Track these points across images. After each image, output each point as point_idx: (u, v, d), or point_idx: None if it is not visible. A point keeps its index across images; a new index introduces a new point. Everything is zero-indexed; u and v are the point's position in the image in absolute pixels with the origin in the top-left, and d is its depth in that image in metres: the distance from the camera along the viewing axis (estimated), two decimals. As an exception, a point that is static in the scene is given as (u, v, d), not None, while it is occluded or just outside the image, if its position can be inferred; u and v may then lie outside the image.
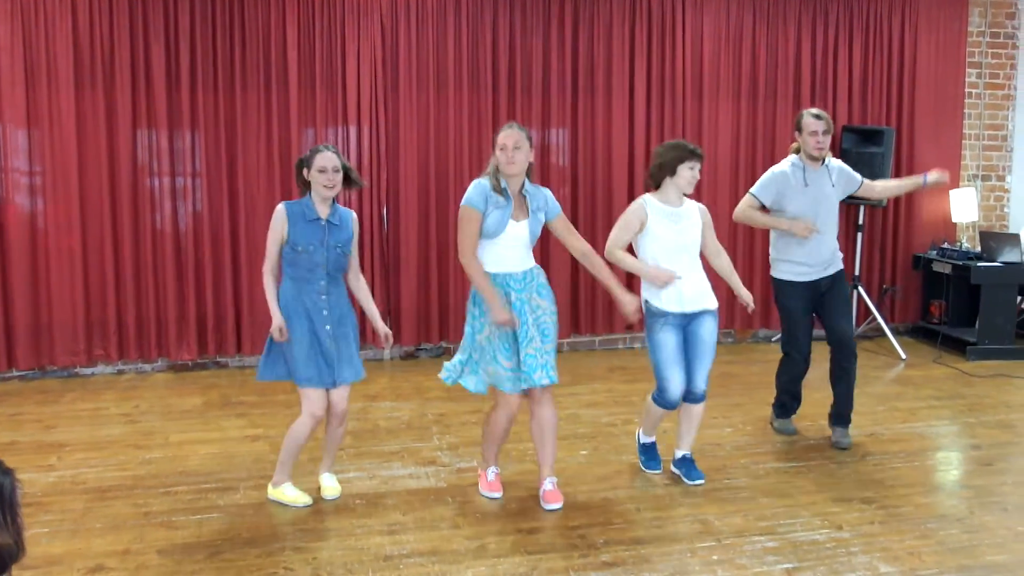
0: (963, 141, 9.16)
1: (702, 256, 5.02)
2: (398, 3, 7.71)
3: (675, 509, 4.69)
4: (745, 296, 5.14)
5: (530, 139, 4.61)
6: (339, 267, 4.69)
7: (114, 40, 7.22)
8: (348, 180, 4.68)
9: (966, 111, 9.14)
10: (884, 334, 8.47)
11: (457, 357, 4.77)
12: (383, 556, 4.15)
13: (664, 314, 4.85)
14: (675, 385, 4.86)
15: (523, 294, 4.61)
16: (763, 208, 5.61)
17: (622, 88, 8.23)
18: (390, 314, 7.98)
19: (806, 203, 5.48)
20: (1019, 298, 8.42)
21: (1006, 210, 9.42)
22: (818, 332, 5.81)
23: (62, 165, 7.19)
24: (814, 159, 5.48)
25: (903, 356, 8.13)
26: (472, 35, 7.89)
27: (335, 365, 4.63)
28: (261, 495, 4.85)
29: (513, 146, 4.52)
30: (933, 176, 5.79)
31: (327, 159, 4.57)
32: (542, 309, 4.65)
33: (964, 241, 9.10)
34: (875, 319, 8.55)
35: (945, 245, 8.83)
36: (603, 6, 8.12)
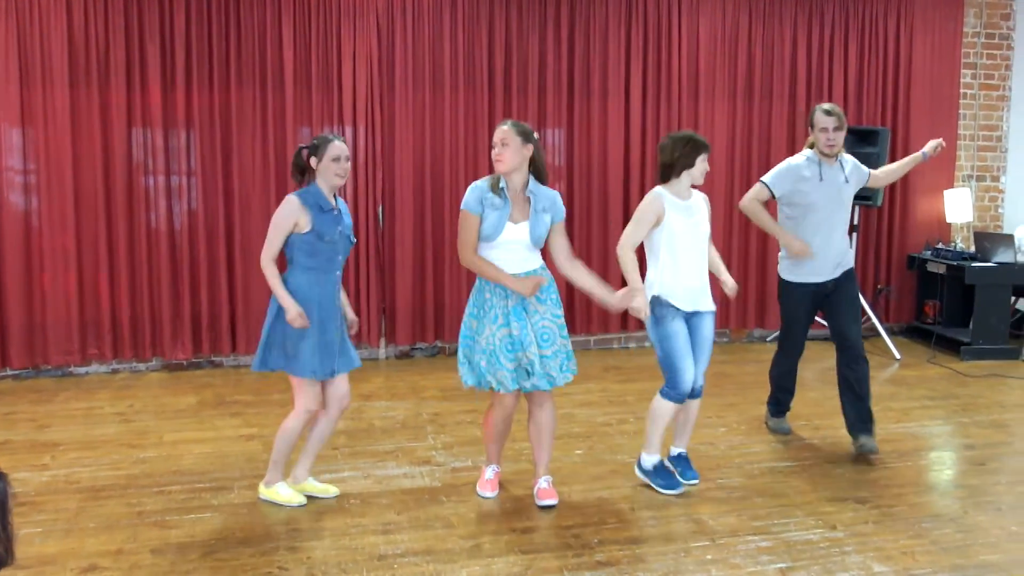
0: (958, 141, 9.18)
1: None
2: (394, 3, 7.71)
3: (669, 509, 4.70)
4: (729, 282, 5.01)
5: (525, 135, 4.49)
6: (347, 255, 4.73)
7: (109, 38, 7.20)
8: None
9: (961, 112, 9.15)
10: (878, 334, 8.47)
11: (460, 358, 4.71)
12: (377, 555, 4.15)
13: (674, 307, 4.80)
14: (689, 375, 4.76)
15: (514, 299, 4.54)
16: (771, 199, 5.54)
17: (618, 88, 8.23)
18: (385, 313, 7.98)
19: (821, 198, 5.40)
20: (1013, 298, 8.44)
21: (1000, 210, 9.44)
22: (820, 332, 5.79)
23: (56, 163, 7.17)
24: (827, 155, 5.41)
25: (897, 356, 8.14)
26: (468, 35, 7.88)
27: (336, 356, 4.65)
28: (255, 494, 4.84)
29: (500, 143, 4.47)
30: (930, 146, 5.70)
31: (340, 148, 4.56)
32: (539, 314, 4.57)
33: (958, 241, 9.12)
34: (869, 319, 8.55)
35: (939, 245, 8.84)
36: (599, 7, 8.13)
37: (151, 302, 7.50)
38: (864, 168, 5.66)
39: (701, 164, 4.80)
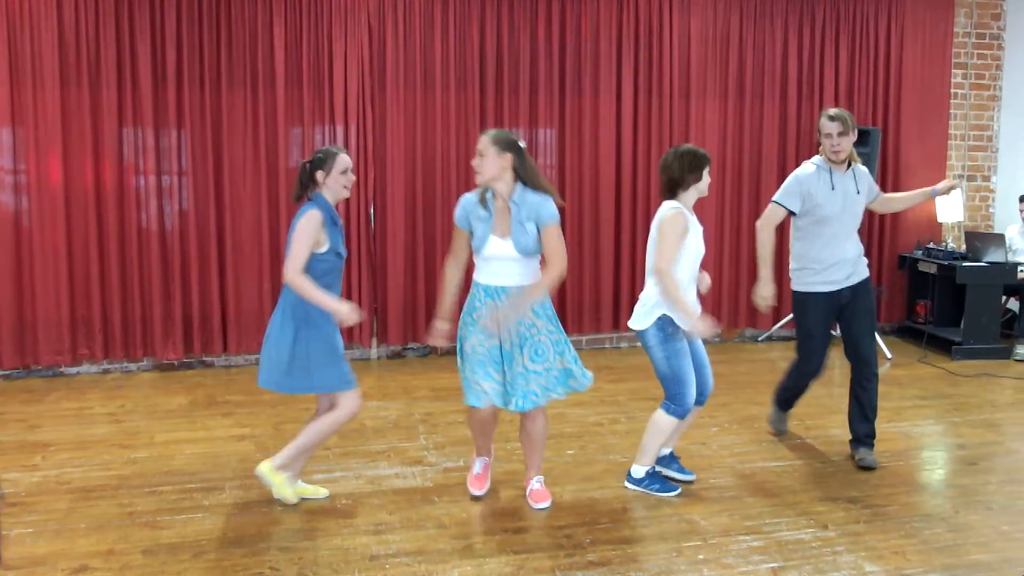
0: (949, 141, 9.20)
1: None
2: (385, 3, 7.70)
3: (661, 508, 4.70)
4: (706, 278, 4.96)
5: (502, 143, 4.37)
6: None
7: (100, 37, 7.19)
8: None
9: (952, 111, 9.18)
10: (870, 334, 8.48)
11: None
12: (369, 556, 4.15)
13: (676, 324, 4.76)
14: (693, 391, 4.78)
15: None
16: (789, 216, 5.31)
17: (609, 88, 8.24)
18: (376, 313, 7.98)
19: (833, 207, 5.21)
20: (1004, 298, 8.46)
21: (991, 210, 9.46)
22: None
23: (47, 163, 7.15)
24: (834, 162, 5.22)
25: (889, 356, 8.16)
26: (459, 35, 7.88)
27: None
28: (247, 495, 4.84)
29: (478, 154, 4.41)
30: (943, 186, 5.57)
31: (347, 160, 4.53)
32: (536, 328, 4.47)
33: (949, 241, 9.14)
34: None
35: (931, 245, 8.86)
36: (590, 6, 8.13)
37: (142, 302, 7.49)
38: (877, 188, 5.51)
39: (707, 177, 4.80)
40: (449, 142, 7.90)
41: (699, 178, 4.76)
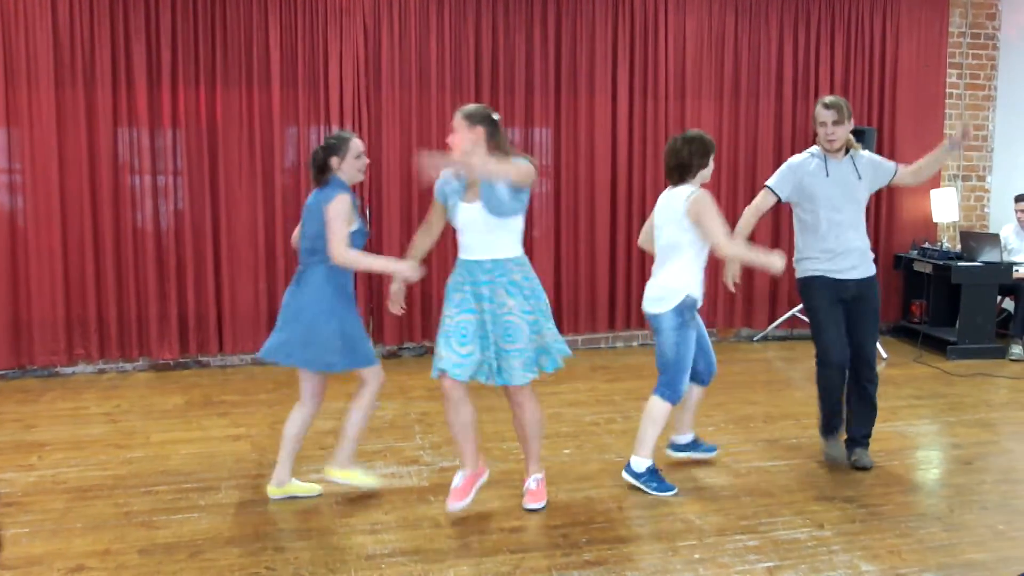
0: (944, 141, 9.19)
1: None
2: (380, 2, 7.71)
3: (657, 508, 4.70)
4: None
5: (471, 116, 4.37)
6: None
7: (94, 37, 7.19)
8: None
9: (947, 111, 9.19)
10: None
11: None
12: (365, 555, 4.15)
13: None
14: (688, 379, 4.93)
15: (484, 288, 4.40)
16: (778, 203, 5.27)
17: (605, 87, 8.24)
18: (372, 313, 7.98)
19: (829, 194, 5.08)
20: (999, 298, 8.48)
21: (986, 210, 9.48)
22: (805, 332, 5.73)
23: (42, 163, 7.15)
24: (829, 150, 5.11)
25: (884, 355, 8.16)
26: (455, 35, 7.88)
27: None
28: (243, 495, 4.84)
29: (453, 131, 4.43)
30: (958, 134, 5.14)
31: (360, 144, 4.67)
32: (506, 308, 4.36)
33: (945, 241, 9.15)
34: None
35: (926, 245, 8.87)
36: (586, 5, 8.13)
37: (138, 302, 7.48)
38: (888, 164, 5.26)
39: (711, 164, 4.89)
40: (444, 142, 7.88)
41: (706, 164, 4.85)
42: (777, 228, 8.70)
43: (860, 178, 5.15)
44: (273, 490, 4.78)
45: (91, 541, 4.28)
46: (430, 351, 8.17)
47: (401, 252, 7.86)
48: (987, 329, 8.20)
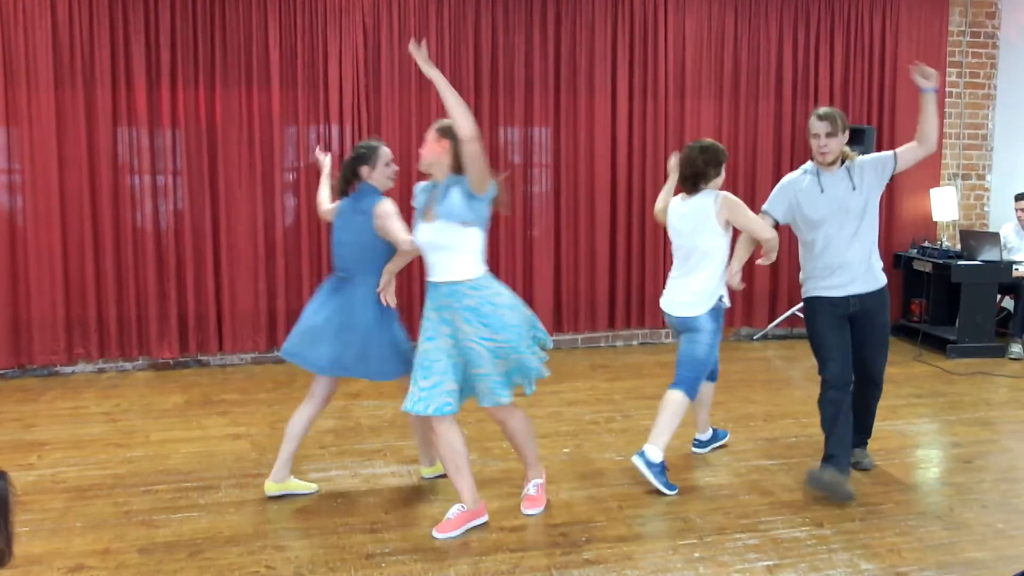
0: (944, 140, 9.21)
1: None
2: (380, 2, 7.70)
3: (657, 507, 4.70)
4: None
5: (443, 130, 4.23)
6: None
7: (94, 37, 7.19)
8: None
9: (947, 110, 9.19)
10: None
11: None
12: (365, 554, 4.15)
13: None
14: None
15: (445, 312, 4.27)
16: (776, 226, 5.01)
17: (604, 87, 8.24)
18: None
19: (824, 211, 4.84)
20: (999, 296, 8.48)
21: (986, 209, 9.48)
22: (802, 330, 5.72)
23: (42, 163, 7.15)
24: (823, 164, 4.87)
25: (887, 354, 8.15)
26: (454, 34, 7.88)
27: None
28: (243, 494, 4.84)
29: (426, 141, 4.35)
30: (920, 76, 4.68)
31: (389, 152, 4.73)
32: (464, 334, 4.20)
33: (944, 240, 9.15)
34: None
35: (925, 244, 8.88)
36: (585, 5, 8.13)
37: (137, 301, 7.48)
38: (884, 155, 4.93)
39: (723, 172, 5.05)
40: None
41: (719, 172, 4.99)
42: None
43: (855, 188, 4.85)
44: (271, 486, 4.78)
45: (91, 540, 4.28)
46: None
47: (401, 251, 7.87)
48: (987, 328, 8.20)
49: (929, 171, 9.13)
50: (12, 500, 2.48)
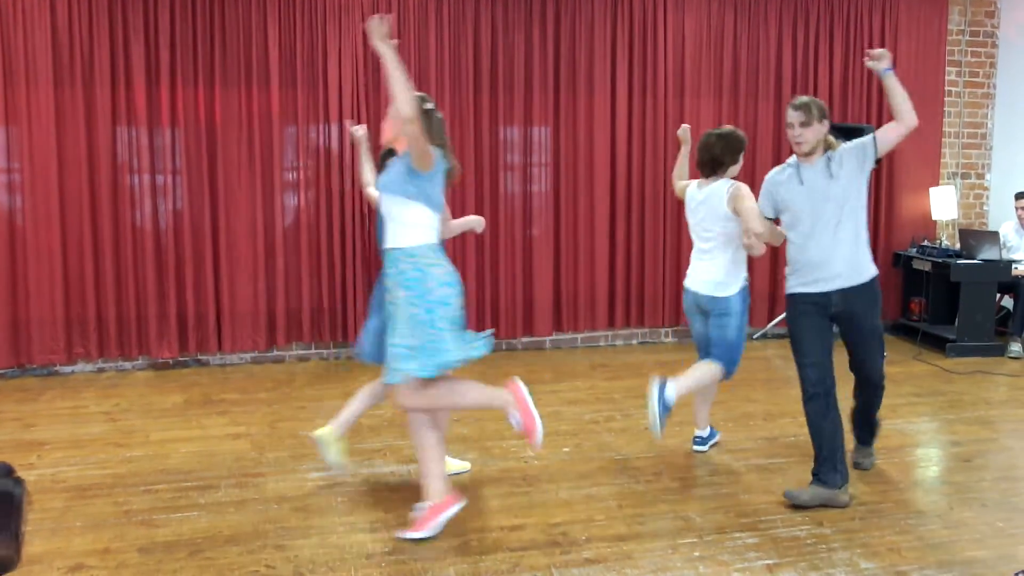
0: (943, 139, 9.22)
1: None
2: (379, 2, 7.70)
3: (656, 506, 4.70)
4: None
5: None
6: None
7: (93, 37, 7.18)
8: None
9: (946, 109, 9.20)
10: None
11: None
12: (365, 554, 4.15)
13: None
14: None
15: (387, 281, 4.24)
16: (776, 221, 4.95)
17: (604, 86, 8.24)
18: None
19: (804, 203, 4.70)
20: (998, 295, 8.48)
21: (985, 208, 9.48)
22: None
23: (41, 162, 7.15)
24: (800, 155, 4.73)
25: (884, 353, 8.14)
26: (454, 33, 7.88)
27: None
28: (243, 493, 4.84)
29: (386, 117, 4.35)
30: (870, 64, 4.73)
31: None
32: (393, 297, 4.16)
33: (944, 239, 9.16)
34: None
35: (925, 243, 8.88)
36: (585, 4, 8.14)
37: (137, 301, 7.48)
38: (864, 140, 4.72)
39: (741, 160, 5.13)
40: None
41: (736, 160, 5.06)
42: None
43: (832, 176, 4.66)
44: (325, 430, 4.90)
45: (91, 540, 4.28)
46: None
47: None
48: (986, 327, 8.20)
49: (928, 170, 9.13)
50: (24, 506, 2.48)
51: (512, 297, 8.20)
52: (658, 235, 8.48)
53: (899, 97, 4.58)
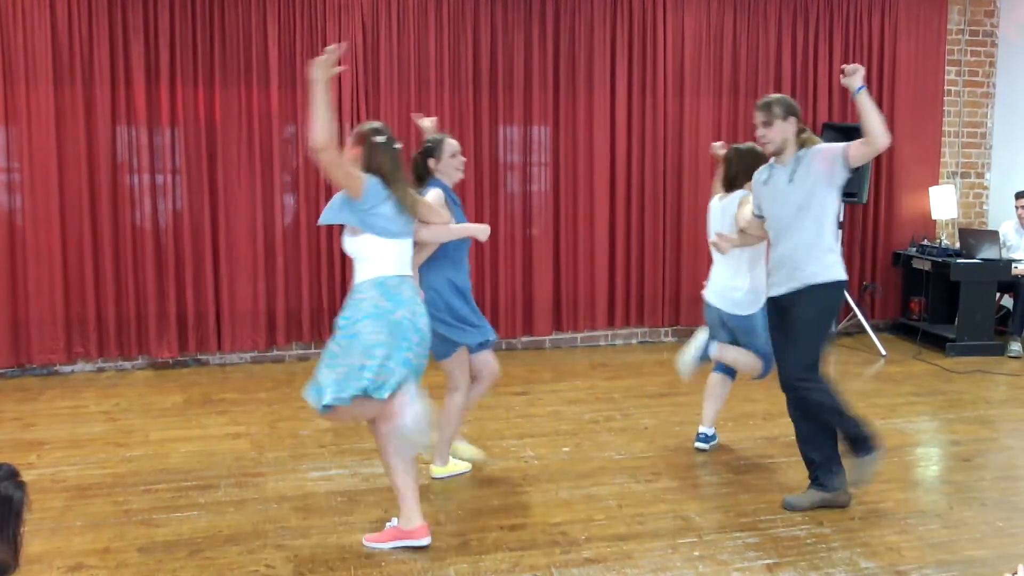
0: (942, 138, 9.22)
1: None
2: (379, 1, 7.70)
3: (656, 505, 4.70)
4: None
5: (356, 136, 4.16)
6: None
7: (93, 36, 7.18)
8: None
9: (945, 108, 9.20)
10: (864, 331, 8.50)
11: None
12: (365, 554, 4.14)
13: None
14: None
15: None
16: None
17: (604, 85, 8.24)
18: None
19: (770, 204, 4.63)
20: (998, 295, 8.48)
21: (985, 207, 9.48)
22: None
23: (41, 162, 7.14)
24: (769, 154, 4.64)
25: (883, 353, 8.17)
26: (453, 32, 7.88)
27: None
28: (243, 492, 4.84)
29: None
30: (844, 82, 4.35)
31: (455, 144, 4.79)
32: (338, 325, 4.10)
33: (943, 238, 9.15)
34: (856, 316, 8.59)
35: (925, 242, 8.88)
36: (584, 3, 8.13)
37: (137, 300, 7.48)
38: (836, 148, 4.44)
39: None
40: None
41: (750, 177, 4.99)
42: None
43: (791, 181, 4.49)
44: (437, 470, 5.04)
45: (91, 539, 4.28)
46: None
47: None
48: (986, 326, 8.20)
49: (928, 169, 9.13)
50: (23, 510, 2.48)
51: (512, 297, 8.20)
52: (658, 235, 8.48)
53: (870, 116, 4.24)
